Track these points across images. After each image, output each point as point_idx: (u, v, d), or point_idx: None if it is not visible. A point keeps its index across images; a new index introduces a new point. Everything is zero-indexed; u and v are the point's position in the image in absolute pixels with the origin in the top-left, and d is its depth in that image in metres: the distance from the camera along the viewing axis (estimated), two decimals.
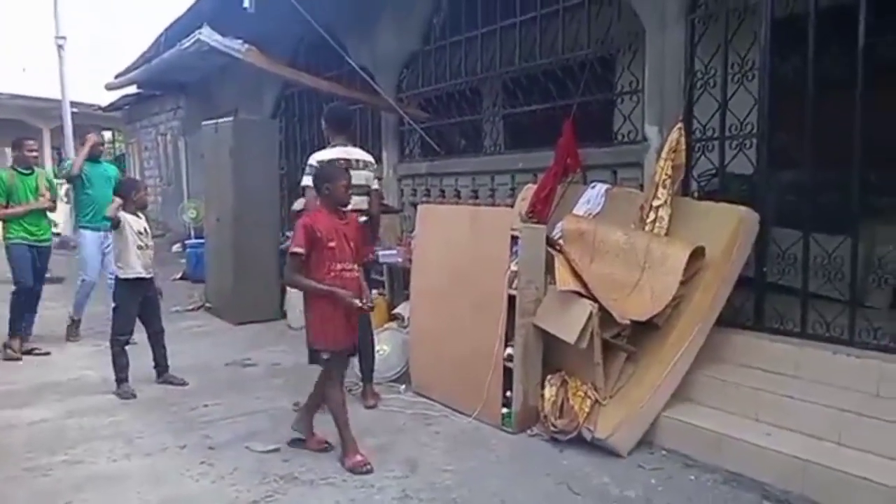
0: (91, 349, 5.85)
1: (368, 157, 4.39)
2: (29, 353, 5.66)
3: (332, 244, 3.33)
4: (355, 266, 3.46)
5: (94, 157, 6.20)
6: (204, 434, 3.87)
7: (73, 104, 16.21)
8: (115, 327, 4.65)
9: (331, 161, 4.15)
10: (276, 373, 5.14)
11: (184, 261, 10.43)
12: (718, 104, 4.11)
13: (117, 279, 4.65)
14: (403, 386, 4.66)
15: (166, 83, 12.47)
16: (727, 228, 3.76)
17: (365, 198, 4.29)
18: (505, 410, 3.87)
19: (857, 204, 3.49)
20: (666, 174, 4.02)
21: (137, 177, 16.40)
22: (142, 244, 4.62)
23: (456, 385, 4.21)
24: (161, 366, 4.86)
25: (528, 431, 3.83)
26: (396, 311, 5.52)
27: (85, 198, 6.10)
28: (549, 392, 3.77)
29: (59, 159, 22.31)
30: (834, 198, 3.74)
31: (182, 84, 12.32)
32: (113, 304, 4.73)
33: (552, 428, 3.66)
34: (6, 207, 5.69)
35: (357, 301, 3.36)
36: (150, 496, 3.13)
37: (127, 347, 4.70)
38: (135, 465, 3.49)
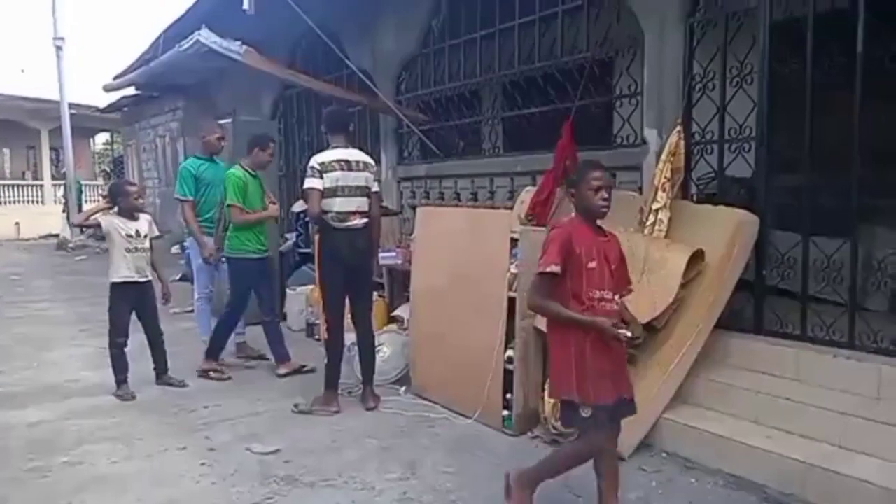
0: (90, 350, 5.84)
1: (368, 159, 4.38)
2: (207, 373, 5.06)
3: (591, 265, 2.58)
4: (616, 297, 2.68)
5: (213, 154, 5.54)
6: (204, 435, 3.87)
7: (71, 105, 16.24)
8: (110, 331, 4.65)
9: (337, 161, 4.18)
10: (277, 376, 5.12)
11: (182, 262, 10.41)
12: (717, 107, 4.13)
13: (110, 283, 4.62)
14: (403, 388, 4.67)
15: (165, 85, 12.47)
16: (726, 232, 3.77)
17: (365, 199, 4.30)
18: (505, 413, 3.88)
19: (856, 207, 3.50)
20: (665, 177, 4.03)
21: (137, 177, 16.40)
22: (131, 247, 4.56)
23: (456, 387, 4.22)
24: (160, 367, 4.85)
25: (529, 434, 3.83)
26: (396, 313, 5.52)
27: (203, 201, 5.38)
28: (549, 395, 3.77)
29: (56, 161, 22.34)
30: (833, 201, 3.75)
31: (181, 86, 12.31)
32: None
33: (553, 430, 3.66)
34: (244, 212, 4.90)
35: (624, 331, 2.53)
36: (151, 498, 3.13)
37: (127, 349, 4.69)
38: (135, 466, 3.49)
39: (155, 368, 4.85)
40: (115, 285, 4.60)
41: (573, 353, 2.59)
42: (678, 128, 4.10)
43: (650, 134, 4.51)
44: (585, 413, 2.56)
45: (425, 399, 4.45)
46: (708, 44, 4.23)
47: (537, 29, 5.40)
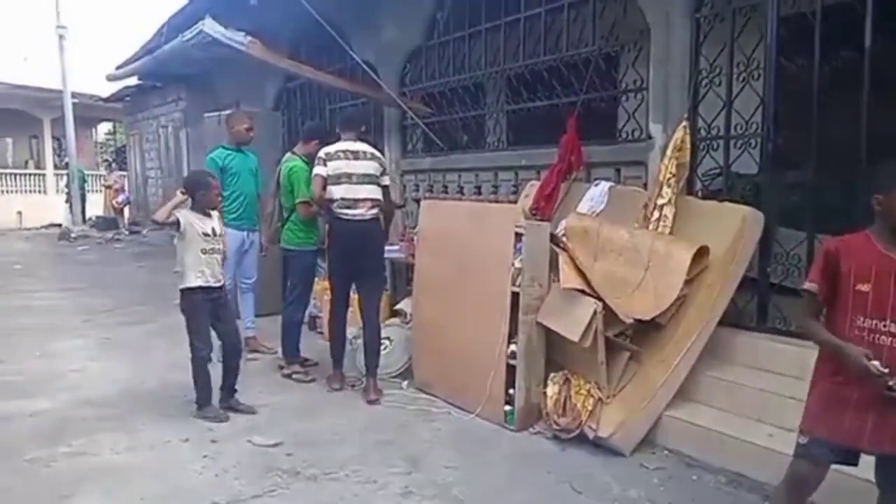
0: (93, 341, 5.86)
1: (375, 152, 4.52)
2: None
3: (862, 288, 2.21)
4: None
5: (241, 145, 5.39)
6: (206, 427, 3.88)
7: (73, 95, 16.22)
8: (192, 344, 4.06)
9: (342, 151, 4.38)
10: (278, 367, 5.11)
11: None
12: (723, 103, 4.10)
13: (180, 290, 4.06)
14: (406, 382, 4.67)
15: (168, 74, 12.44)
16: (731, 228, 3.76)
17: (375, 188, 4.40)
18: (507, 408, 3.88)
19: (862, 204, 3.47)
20: (670, 173, 4.02)
21: (140, 168, 16.40)
22: (207, 248, 4.03)
23: (458, 382, 4.22)
24: (228, 386, 4.18)
25: (531, 429, 3.84)
26: (399, 306, 5.52)
27: (230, 192, 5.19)
28: (551, 390, 3.77)
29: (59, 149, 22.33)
30: (838, 198, 3.73)
31: (183, 75, 12.28)
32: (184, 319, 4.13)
33: (555, 426, 3.66)
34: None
35: (878, 367, 2.09)
36: (153, 489, 3.14)
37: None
38: (137, 457, 3.50)
39: (222, 387, 4.17)
40: (190, 291, 4.02)
41: (819, 374, 2.37)
42: (684, 123, 4.09)
43: (655, 129, 4.48)
44: (801, 440, 2.36)
45: (427, 393, 4.45)
46: (715, 38, 4.20)
47: (543, 22, 5.36)
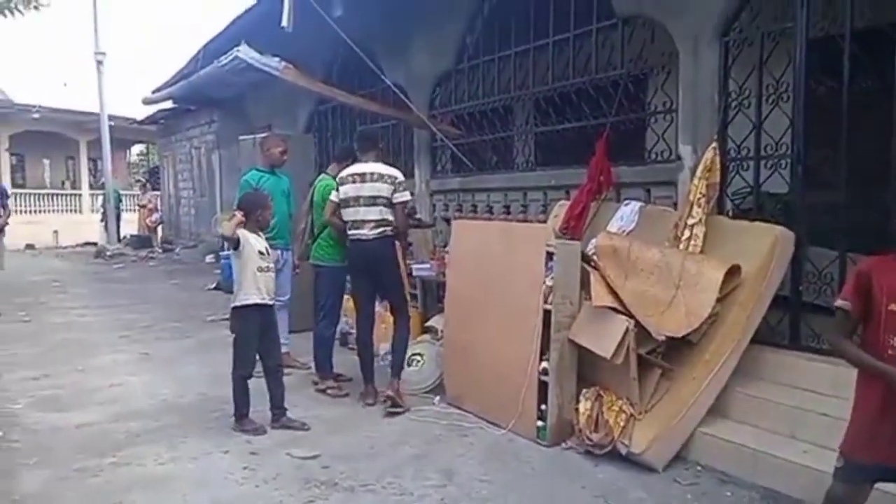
0: (132, 356, 6.03)
1: (388, 171, 4.53)
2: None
3: (894, 308, 2.25)
4: None
5: (274, 167, 5.56)
6: (245, 440, 3.98)
7: (110, 118, 16.72)
8: (236, 361, 4.16)
9: (351, 175, 4.54)
10: (312, 382, 5.19)
11: (217, 271, 10.65)
12: (753, 124, 4.17)
13: (234, 308, 4.17)
14: (437, 397, 4.73)
15: (202, 98, 12.81)
16: (763, 247, 3.80)
17: (380, 209, 4.48)
18: (540, 423, 3.92)
19: (894, 223, 3.49)
20: (700, 193, 4.08)
21: (173, 188, 16.79)
22: (262, 266, 4.15)
23: (490, 397, 4.28)
24: (278, 408, 4.22)
25: (563, 445, 3.87)
26: (430, 323, 5.61)
27: None
28: (583, 406, 3.82)
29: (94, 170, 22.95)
30: (870, 217, 3.75)
31: (216, 99, 12.65)
32: (232, 336, 4.27)
33: (587, 441, 3.70)
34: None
35: None
36: (197, 498, 3.24)
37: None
38: (180, 468, 3.61)
39: (272, 408, 4.22)
40: (243, 309, 4.11)
41: (861, 402, 2.36)
42: (714, 144, 4.15)
43: (685, 150, 4.55)
44: (838, 463, 2.39)
45: (459, 408, 4.51)
46: (743, 61, 4.28)
47: (571, 46, 5.48)
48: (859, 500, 2.40)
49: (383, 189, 4.46)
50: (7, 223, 8.47)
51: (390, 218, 4.52)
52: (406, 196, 4.60)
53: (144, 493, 3.31)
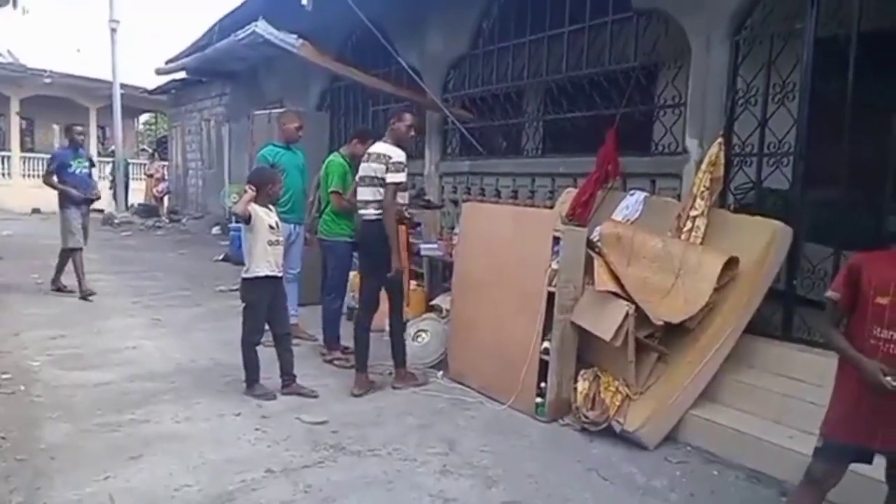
0: (144, 320, 6.20)
1: (386, 150, 4.38)
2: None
3: (881, 301, 2.35)
4: None
5: (290, 142, 5.65)
6: (257, 404, 4.16)
7: (121, 86, 16.76)
8: (245, 330, 4.35)
9: (367, 154, 4.51)
10: (320, 353, 5.35)
11: (224, 243, 10.81)
12: (758, 122, 4.29)
13: (244, 279, 4.34)
14: (441, 372, 4.91)
15: (214, 70, 12.88)
16: (761, 241, 3.95)
17: (376, 189, 4.40)
18: (539, 400, 4.10)
19: (888, 222, 3.64)
20: (704, 186, 4.22)
21: (181, 159, 16.87)
22: (272, 239, 4.29)
23: (492, 374, 4.45)
24: (288, 374, 4.42)
25: (560, 421, 4.05)
26: (434, 302, 5.77)
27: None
28: (581, 385, 3.99)
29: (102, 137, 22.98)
30: (866, 215, 3.88)
31: (229, 72, 12.71)
32: (242, 306, 4.39)
33: (583, 419, 3.88)
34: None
35: (891, 382, 2.27)
36: (213, 455, 3.42)
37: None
38: (196, 427, 3.79)
39: (281, 374, 4.42)
40: (254, 280, 4.27)
41: (840, 385, 2.52)
42: (719, 139, 4.29)
43: (691, 144, 4.68)
44: (818, 443, 2.52)
45: (461, 383, 4.69)
46: (752, 60, 4.39)
47: (586, 36, 5.58)
48: (836, 479, 2.54)
49: (379, 170, 4.38)
50: (99, 196, 8.04)
51: (380, 199, 4.43)
52: (398, 177, 4.35)
53: (163, 447, 3.49)
